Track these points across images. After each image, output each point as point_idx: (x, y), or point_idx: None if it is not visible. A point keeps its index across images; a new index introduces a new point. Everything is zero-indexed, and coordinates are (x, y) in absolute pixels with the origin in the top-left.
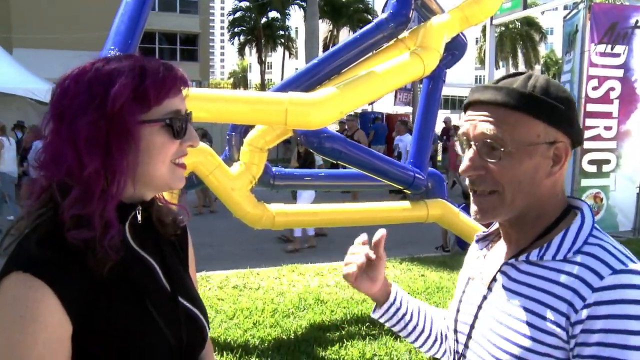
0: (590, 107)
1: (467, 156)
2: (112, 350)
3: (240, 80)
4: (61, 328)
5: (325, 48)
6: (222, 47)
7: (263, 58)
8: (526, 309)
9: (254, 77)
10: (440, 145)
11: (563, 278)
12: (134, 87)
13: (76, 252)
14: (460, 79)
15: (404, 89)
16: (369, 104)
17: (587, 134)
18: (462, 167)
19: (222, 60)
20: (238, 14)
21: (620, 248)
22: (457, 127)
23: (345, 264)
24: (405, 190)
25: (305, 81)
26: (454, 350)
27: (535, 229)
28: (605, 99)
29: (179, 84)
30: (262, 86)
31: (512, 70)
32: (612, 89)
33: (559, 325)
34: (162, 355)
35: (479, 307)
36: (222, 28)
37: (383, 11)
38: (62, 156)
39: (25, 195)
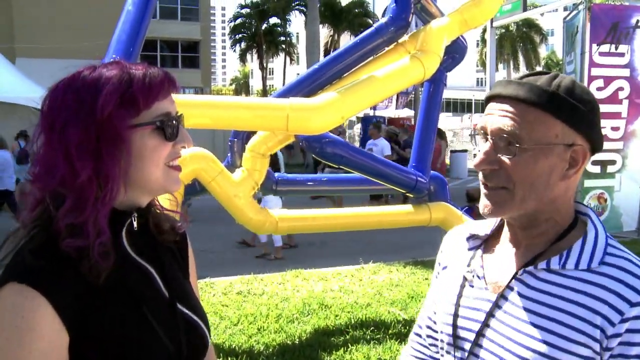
0: None
1: (482, 149)
2: (110, 358)
3: (242, 86)
4: (57, 337)
5: (327, 53)
6: (224, 54)
7: (264, 64)
8: (551, 319)
9: (255, 83)
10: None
11: (593, 290)
12: (122, 92)
13: (71, 261)
14: (461, 82)
15: (402, 92)
16: (371, 108)
17: None
18: (476, 161)
19: (223, 67)
20: (239, 21)
21: None
22: (441, 131)
23: None
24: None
25: (307, 86)
26: (454, 356)
27: (548, 234)
28: (613, 99)
29: (167, 87)
30: (264, 92)
31: (512, 73)
32: (621, 88)
33: (591, 337)
34: None
35: (490, 315)
36: (223, 35)
37: (383, 15)
38: (55, 166)
39: (20, 207)
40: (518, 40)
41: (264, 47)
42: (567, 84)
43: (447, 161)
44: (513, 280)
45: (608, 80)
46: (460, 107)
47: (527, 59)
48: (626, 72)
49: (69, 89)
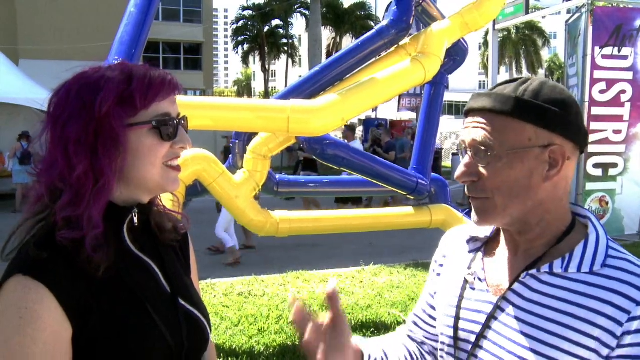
0: (597, 111)
1: (462, 163)
2: (112, 352)
3: (244, 88)
4: (60, 329)
5: (329, 55)
6: (226, 56)
7: (267, 66)
8: (555, 322)
9: (258, 85)
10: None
11: (597, 292)
12: (120, 91)
13: (73, 254)
14: (464, 85)
15: (408, 94)
16: (372, 110)
17: (593, 137)
18: (457, 173)
19: (226, 69)
20: (241, 23)
21: None
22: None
23: (305, 345)
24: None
25: (308, 88)
26: (454, 358)
27: (545, 237)
28: (615, 101)
29: (168, 88)
30: (266, 94)
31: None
32: (624, 91)
33: (596, 339)
34: (163, 357)
35: (492, 317)
36: (226, 37)
37: (384, 18)
38: (55, 161)
39: (24, 201)
40: (520, 43)
41: (266, 49)
42: (534, 87)
43: (449, 164)
44: (515, 283)
45: (610, 83)
46: (462, 110)
47: (529, 61)
48: (629, 75)
49: (73, 88)
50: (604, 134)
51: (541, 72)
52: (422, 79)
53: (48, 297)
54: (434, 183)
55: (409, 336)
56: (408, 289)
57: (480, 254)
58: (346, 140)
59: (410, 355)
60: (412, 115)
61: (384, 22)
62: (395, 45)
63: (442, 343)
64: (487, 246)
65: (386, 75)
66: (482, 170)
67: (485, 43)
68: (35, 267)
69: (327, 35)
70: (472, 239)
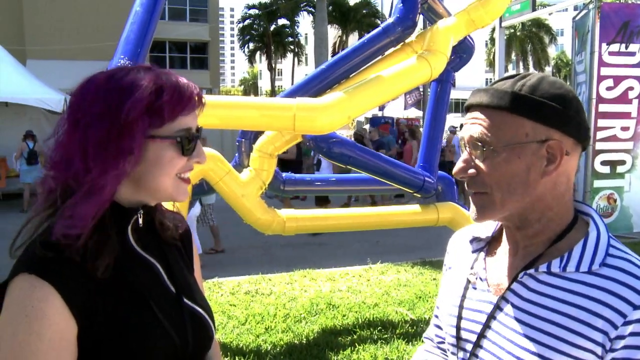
0: (605, 108)
1: (460, 158)
2: (117, 350)
3: (250, 87)
4: (66, 327)
5: (335, 53)
6: (232, 55)
7: (273, 65)
8: (552, 322)
9: (264, 84)
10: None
11: (594, 293)
12: (150, 102)
13: (75, 253)
14: (470, 83)
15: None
16: (379, 109)
17: (600, 134)
18: (455, 169)
19: (232, 68)
20: (247, 22)
21: None
22: (412, 130)
23: None
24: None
25: (314, 86)
26: (457, 357)
27: (546, 234)
28: (623, 98)
29: (194, 102)
30: (273, 93)
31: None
32: (631, 88)
33: (592, 340)
34: (168, 355)
35: (491, 317)
36: (232, 36)
37: (390, 15)
38: (72, 159)
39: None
40: (527, 40)
41: (273, 47)
42: (532, 82)
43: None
44: (514, 282)
45: (618, 79)
46: None
47: (536, 59)
48: (636, 72)
49: (100, 89)
50: (611, 131)
51: (548, 69)
52: (429, 76)
53: (53, 295)
54: (440, 181)
55: (438, 342)
56: (415, 287)
57: (482, 254)
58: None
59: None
60: (418, 113)
61: (390, 20)
62: (402, 43)
63: (447, 343)
64: (489, 246)
65: (392, 73)
66: (480, 164)
67: (492, 40)
68: (41, 266)
69: (333, 33)
70: (475, 239)
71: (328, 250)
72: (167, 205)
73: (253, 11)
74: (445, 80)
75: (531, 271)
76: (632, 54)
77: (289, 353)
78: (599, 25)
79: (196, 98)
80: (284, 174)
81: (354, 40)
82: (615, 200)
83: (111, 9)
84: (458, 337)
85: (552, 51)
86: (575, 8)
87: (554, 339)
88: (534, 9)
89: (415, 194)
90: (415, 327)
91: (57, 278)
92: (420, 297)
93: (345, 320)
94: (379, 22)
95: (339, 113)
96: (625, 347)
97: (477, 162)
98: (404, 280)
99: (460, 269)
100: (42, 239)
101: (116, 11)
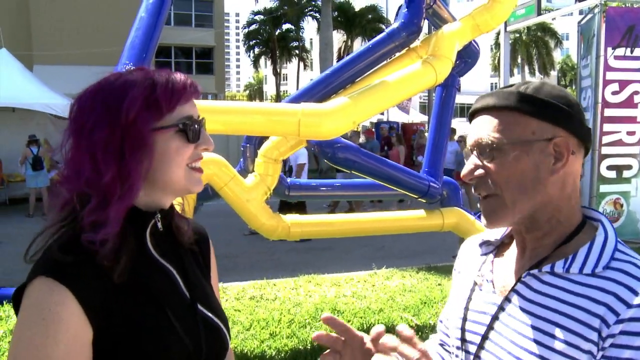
0: (610, 112)
1: (469, 162)
2: (133, 353)
3: (255, 92)
4: (82, 331)
5: (340, 58)
6: (238, 60)
7: (278, 70)
8: (553, 323)
9: (269, 89)
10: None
11: (594, 293)
12: (146, 97)
13: (96, 257)
14: (476, 87)
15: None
16: (381, 114)
17: (606, 139)
18: (463, 172)
19: (237, 73)
20: (253, 27)
21: None
22: (399, 136)
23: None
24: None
25: (319, 92)
26: (462, 358)
27: (553, 237)
28: (628, 103)
29: (189, 91)
30: (278, 98)
31: (527, 77)
32: (637, 92)
33: (590, 341)
34: None
35: (495, 318)
36: (237, 41)
37: (395, 20)
38: (82, 168)
39: (50, 207)
40: (532, 44)
41: (278, 52)
42: (535, 85)
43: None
44: (518, 283)
45: (623, 84)
46: None
47: (541, 63)
48: None
49: (96, 95)
50: (617, 135)
51: (553, 73)
52: (434, 81)
53: (70, 299)
54: (445, 186)
55: (440, 344)
56: (420, 292)
57: (491, 257)
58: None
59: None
60: (423, 118)
61: (395, 25)
62: (406, 48)
63: (452, 345)
64: (498, 249)
65: (397, 78)
66: (488, 165)
67: (497, 45)
68: (59, 270)
69: (338, 38)
70: (484, 243)
71: (333, 255)
72: (176, 207)
73: (258, 16)
74: (450, 85)
75: (534, 271)
76: (637, 58)
77: (293, 359)
78: (605, 30)
79: (189, 86)
80: (288, 179)
81: (358, 45)
82: (621, 205)
83: (119, 14)
84: (462, 339)
85: (557, 55)
86: (581, 12)
87: (554, 339)
88: (539, 14)
89: (420, 199)
90: (420, 333)
91: (75, 281)
92: (425, 303)
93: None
94: (384, 27)
95: (344, 118)
96: (613, 345)
97: (486, 163)
98: (409, 286)
99: (468, 272)
100: (59, 243)
101: (124, 17)
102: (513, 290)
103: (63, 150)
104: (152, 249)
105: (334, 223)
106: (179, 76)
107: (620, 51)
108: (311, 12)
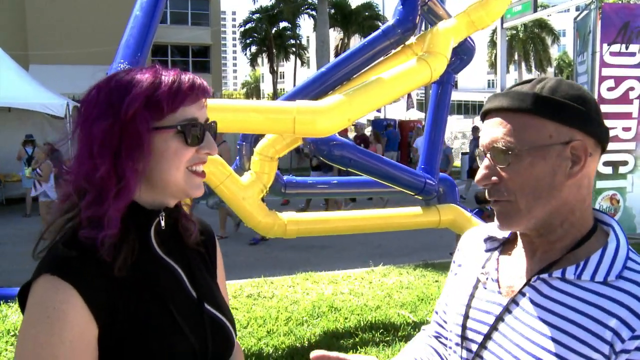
0: (606, 108)
1: (482, 165)
2: (137, 353)
3: (252, 90)
4: (87, 328)
5: (336, 55)
6: (235, 58)
7: (275, 68)
8: (561, 330)
9: (266, 87)
10: None
11: (606, 304)
12: (147, 95)
13: (96, 254)
14: (472, 84)
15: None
16: (377, 111)
17: None
18: (477, 177)
19: (234, 71)
20: (249, 25)
21: None
22: (377, 134)
23: None
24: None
25: (315, 89)
26: (460, 356)
27: (565, 241)
28: (624, 99)
29: (197, 93)
30: (275, 96)
31: (524, 74)
32: (632, 88)
33: (599, 352)
34: None
35: (500, 319)
36: (234, 39)
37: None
38: (82, 161)
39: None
40: (529, 41)
41: (274, 51)
42: (551, 84)
43: (458, 163)
44: (526, 286)
45: (619, 80)
46: (472, 109)
47: (537, 59)
48: (637, 72)
49: (102, 90)
50: (613, 131)
51: (550, 70)
52: (429, 78)
53: (75, 297)
54: (442, 183)
55: (434, 336)
56: (417, 289)
57: (496, 254)
58: None
59: (438, 354)
60: (420, 115)
61: (390, 22)
62: (402, 45)
63: (451, 341)
64: (504, 246)
65: (392, 75)
66: (502, 172)
67: (493, 41)
68: (64, 267)
69: (334, 35)
70: (490, 238)
71: (330, 253)
72: None
73: (255, 15)
74: (446, 82)
75: (544, 276)
76: (633, 54)
77: (290, 356)
78: (600, 26)
79: (197, 88)
80: (285, 177)
81: (355, 42)
82: (618, 201)
83: (115, 14)
84: (463, 337)
85: (554, 52)
86: (577, 9)
87: (561, 346)
88: (535, 10)
89: (416, 196)
90: (417, 330)
91: (79, 279)
92: (422, 300)
93: (347, 323)
94: (381, 24)
95: (339, 116)
96: None
97: (499, 168)
98: (406, 283)
99: (471, 267)
100: (63, 239)
101: (120, 16)
102: (521, 292)
103: (70, 142)
104: (156, 246)
105: (330, 220)
106: (188, 76)
107: (615, 47)
108: (307, 10)
